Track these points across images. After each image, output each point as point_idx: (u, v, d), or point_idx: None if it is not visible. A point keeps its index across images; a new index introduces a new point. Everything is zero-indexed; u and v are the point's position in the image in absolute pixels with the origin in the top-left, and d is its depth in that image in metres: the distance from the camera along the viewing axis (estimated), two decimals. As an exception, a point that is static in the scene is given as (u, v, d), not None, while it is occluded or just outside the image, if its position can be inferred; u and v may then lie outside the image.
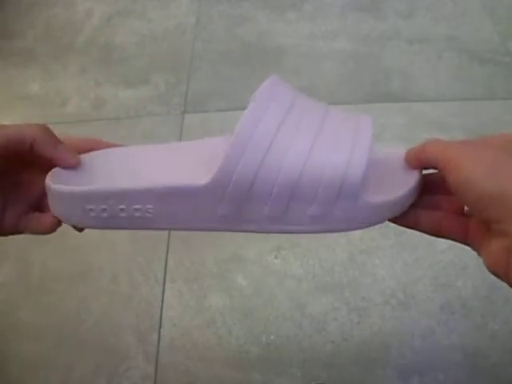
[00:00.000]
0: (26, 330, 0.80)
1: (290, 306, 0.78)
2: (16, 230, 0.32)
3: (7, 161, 0.30)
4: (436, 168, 0.26)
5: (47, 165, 0.31)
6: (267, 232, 0.29)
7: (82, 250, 0.87)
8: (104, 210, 0.29)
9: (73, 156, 0.31)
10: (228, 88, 1.13)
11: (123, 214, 0.29)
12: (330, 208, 0.26)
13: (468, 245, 0.28)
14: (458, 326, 0.74)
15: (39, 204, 0.33)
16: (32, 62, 1.26)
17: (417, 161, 0.28)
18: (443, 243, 0.78)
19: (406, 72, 1.12)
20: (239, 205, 0.27)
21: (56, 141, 0.30)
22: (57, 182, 0.29)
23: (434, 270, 0.78)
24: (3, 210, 0.31)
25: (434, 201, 0.30)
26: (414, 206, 0.29)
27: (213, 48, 1.23)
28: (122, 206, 0.29)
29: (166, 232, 0.88)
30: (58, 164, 0.30)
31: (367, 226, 0.28)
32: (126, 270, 0.84)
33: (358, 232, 0.85)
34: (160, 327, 0.78)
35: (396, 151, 0.30)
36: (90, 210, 0.29)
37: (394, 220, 0.30)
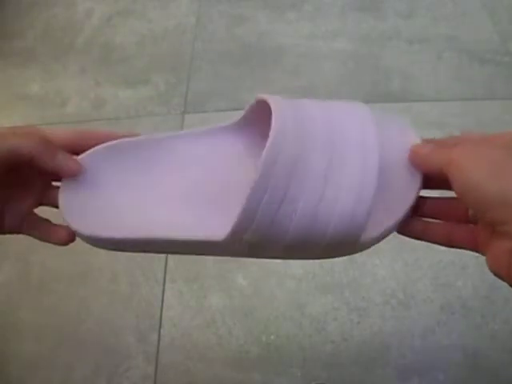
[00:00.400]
0: (26, 330, 0.80)
1: (290, 306, 0.78)
2: (18, 231, 0.32)
3: (8, 169, 0.29)
4: (441, 172, 0.26)
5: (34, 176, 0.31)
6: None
7: (81, 250, 0.87)
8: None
9: (73, 164, 0.30)
10: (228, 88, 1.13)
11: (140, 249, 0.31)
12: (334, 250, 0.28)
13: (478, 252, 0.28)
14: (457, 326, 0.74)
15: (40, 202, 0.33)
16: (32, 62, 1.26)
17: (421, 166, 0.28)
18: (443, 243, 0.78)
19: (406, 72, 1.12)
20: (256, 247, 0.28)
21: (54, 152, 0.29)
22: (68, 197, 0.30)
23: (434, 270, 0.78)
24: (2, 211, 0.31)
25: (442, 209, 0.29)
26: (421, 216, 0.29)
27: (213, 48, 1.23)
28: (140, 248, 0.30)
29: (166, 232, 0.88)
30: (60, 175, 0.30)
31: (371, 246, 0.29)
32: (126, 269, 0.84)
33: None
34: (160, 327, 0.78)
35: (400, 143, 0.29)
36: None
37: (401, 232, 0.30)
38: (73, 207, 0.30)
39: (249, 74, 1.15)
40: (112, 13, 1.35)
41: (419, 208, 0.29)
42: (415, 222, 0.29)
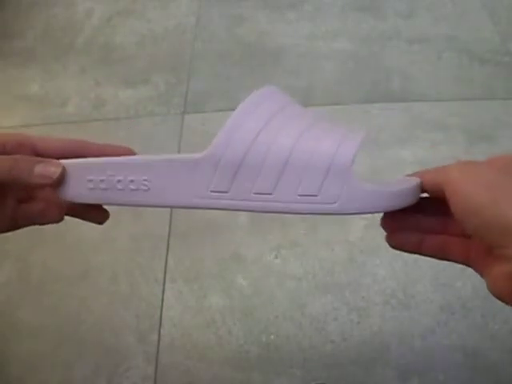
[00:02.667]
0: (26, 330, 0.80)
1: (290, 306, 0.78)
2: (15, 224, 0.32)
3: None
4: (440, 192, 0.26)
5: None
6: (256, 211, 0.29)
7: (81, 250, 0.87)
8: (102, 181, 0.31)
9: (54, 168, 0.30)
10: (228, 88, 1.13)
11: (120, 187, 0.31)
12: (319, 187, 0.27)
13: (469, 266, 0.28)
14: (458, 326, 0.74)
15: (28, 199, 0.32)
16: (32, 62, 1.26)
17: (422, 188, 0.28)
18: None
19: (406, 72, 1.12)
20: (230, 180, 0.29)
21: (30, 167, 0.29)
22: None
23: (433, 270, 0.78)
24: None
25: (437, 224, 0.29)
26: (416, 230, 0.29)
27: (213, 48, 1.23)
28: (120, 178, 0.30)
29: (166, 232, 0.88)
30: (43, 186, 0.30)
31: (361, 212, 0.28)
32: (126, 269, 0.84)
33: (358, 232, 0.85)
34: (160, 327, 0.78)
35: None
36: (89, 181, 0.31)
37: (398, 247, 0.30)
38: None
39: (249, 74, 1.15)
40: (112, 13, 1.35)
41: (417, 223, 0.29)
42: (412, 236, 0.29)
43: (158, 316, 0.79)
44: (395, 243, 0.30)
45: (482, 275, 0.26)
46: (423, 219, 0.29)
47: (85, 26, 1.32)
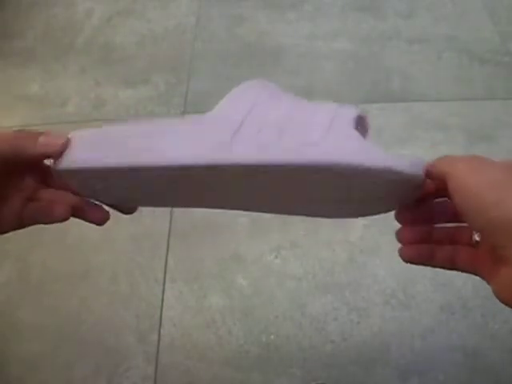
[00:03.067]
0: (26, 330, 0.80)
1: (290, 306, 0.78)
2: (21, 223, 0.32)
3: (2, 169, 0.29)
4: (443, 181, 0.26)
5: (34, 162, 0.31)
6: (258, 164, 0.27)
7: (81, 250, 0.87)
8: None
9: (57, 137, 0.30)
10: (228, 88, 1.12)
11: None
12: (320, 138, 0.26)
13: (477, 275, 0.28)
14: (458, 326, 0.74)
15: (34, 199, 0.32)
16: (32, 62, 1.26)
17: (426, 172, 0.28)
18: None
19: (406, 72, 1.12)
20: (233, 134, 0.28)
21: (33, 138, 0.29)
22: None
23: (434, 270, 0.78)
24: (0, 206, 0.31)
25: (446, 234, 0.29)
26: (429, 242, 0.29)
27: (213, 48, 1.23)
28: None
29: (166, 231, 0.88)
30: (47, 155, 0.30)
31: (358, 165, 0.25)
32: (126, 269, 0.84)
33: (358, 232, 0.85)
34: (160, 327, 0.78)
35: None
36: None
37: (411, 260, 0.29)
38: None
39: (249, 74, 1.15)
40: (112, 13, 1.35)
41: (429, 234, 0.29)
42: (424, 248, 0.29)
43: (157, 316, 0.79)
44: (408, 256, 0.30)
45: (488, 282, 0.26)
46: (435, 230, 0.29)
47: (85, 26, 1.32)
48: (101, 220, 0.33)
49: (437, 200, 0.29)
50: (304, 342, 0.75)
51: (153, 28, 1.30)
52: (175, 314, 0.79)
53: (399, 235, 0.30)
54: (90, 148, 0.29)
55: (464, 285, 0.77)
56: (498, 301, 0.25)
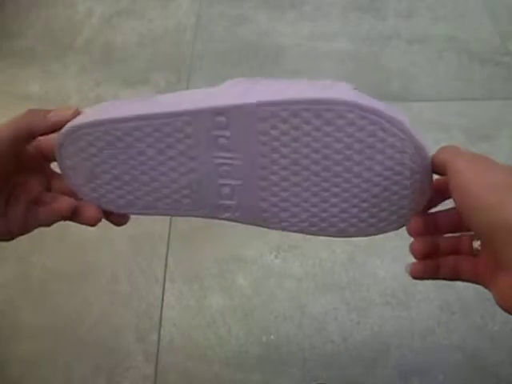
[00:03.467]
0: (26, 330, 0.80)
1: (290, 306, 0.78)
2: (25, 227, 0.32)
3: (15, 157, 0.30)
4: (443, 171, 0.26)
5: (39, 163, 0.32)
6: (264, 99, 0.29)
7: (81, 250, 0.87)
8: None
9: (67, 109, 0.31)
10: (228, 88, 1.13)
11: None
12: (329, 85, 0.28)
13: (479, 283, 0.28)
14: (458, 326, 0.74)
15: (37, 201, 0.33)
16: (32, 61, 1.25)
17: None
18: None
19: (406, 72, 1.12)
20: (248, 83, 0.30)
21: (44, 112, 0.31)
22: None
23: (433, 270, 0.78)
24: (5, 211, 0.31)
25: (449, 244, 0.29)
26: (435, 254, 0.29)
27: (213, 48, 1.23)
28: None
29: (166, 232, 0.88)
30: (58, 125, 0.31)
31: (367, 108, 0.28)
32: (126, 269, 0.84)
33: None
34: (160, 327, 0.78)
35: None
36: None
37: (420, 276, 0.30)
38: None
39: (249, 74, 1.15)
40: (112, 13, 1.35)
41: (437, 247, 0.29)
42: (430, 263, 0.30)
43: (158, 316, 0.79)
44: (417, 273, 0.30)
45: (490, 290, 0.26)
46: (441, 240, 0.29)
47: (85, 26, 1.32)
48: (94, 219, 0.32)
49: (441, 210, 0.29)
50: (304, 342, 0.75)
51: (153, 28, 1.30)
52: (175, 314, 0.79)
53: (413, 248, 0.30)
54: (96, 112, 0.31)
55: (464, 285, 0.77)
56: (497, 301, 0.25)
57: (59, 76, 1.21)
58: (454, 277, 0.29)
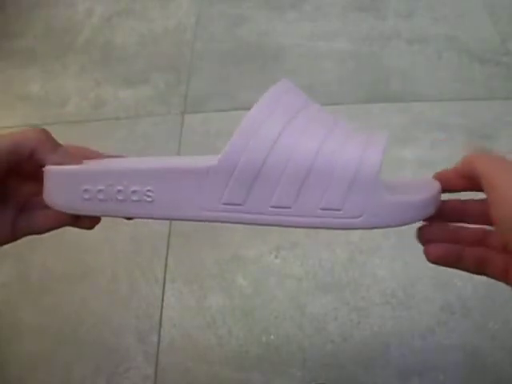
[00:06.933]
0: (26, 330, 0.80)
1: (290, 306, 0.78)
2: (14, 233, 0.31)
3: (7, 167, 0.29)
4: (477, 180, 0.24)
5: (32, 171, 0.31)
6: (273, 225, 0.26)
7: (81, 250, 0.87)
8: (100, 191, 0.28)
9: (73, 160, 0.30)
10: (228, 88, 1.13)
11: (120, 197, 0.28)
12: (342, 200, 0.25)
13: (508, 284, 0.26)
14: (458, 326, 0.74)
15: (26, 208, 0.32)
16: (32, 61, 1.26)
17: (459, 170, 0.27)
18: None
19: (406, 72, 1.12)
20: (245, 192, 0.25)
21: (56, 145, 0.30)
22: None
23: (434, 270, 0.78)
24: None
25: (477, 235, 0.28)
26: (455, 242, 0.28)
27: (213, 48, 1.23)
28: (120, 188, 0.27)
29: (166, 232, 0.88)
30: (60, 164, 0.30)
31: (384, 227, 0.25)
32: (126, 269, 0.84)
33: (358, 232, 0.85)
34: (160, 327, 0.78)
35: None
36: (85, 190, 0.28)
37: (436, 260, 0.27)
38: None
39: (249, 73, 1.15)
40: (112, 13, 1.35)
41: (455, 234, 0.28)
42: (451, 248, 0.27)
43: (158, 316, 0.79)
44: (433, 256, 0.27)
45: None
46: (462, 230, 0.28)
47: (85, 26, 1.32)
48: (91, 223, 0.32)
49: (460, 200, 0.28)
50: (304, 342, 0.75)
51: (153, 28, 1.30)
52: (175, 314, 0.79)
53: (419, 235, 0.28)
54: (82, 195, 0.29)
55: (464, 285, 0.77)
56: (498, 301, 0.24)
57: (59, 76, 1.21)
58: (480, 271, 0.27)
